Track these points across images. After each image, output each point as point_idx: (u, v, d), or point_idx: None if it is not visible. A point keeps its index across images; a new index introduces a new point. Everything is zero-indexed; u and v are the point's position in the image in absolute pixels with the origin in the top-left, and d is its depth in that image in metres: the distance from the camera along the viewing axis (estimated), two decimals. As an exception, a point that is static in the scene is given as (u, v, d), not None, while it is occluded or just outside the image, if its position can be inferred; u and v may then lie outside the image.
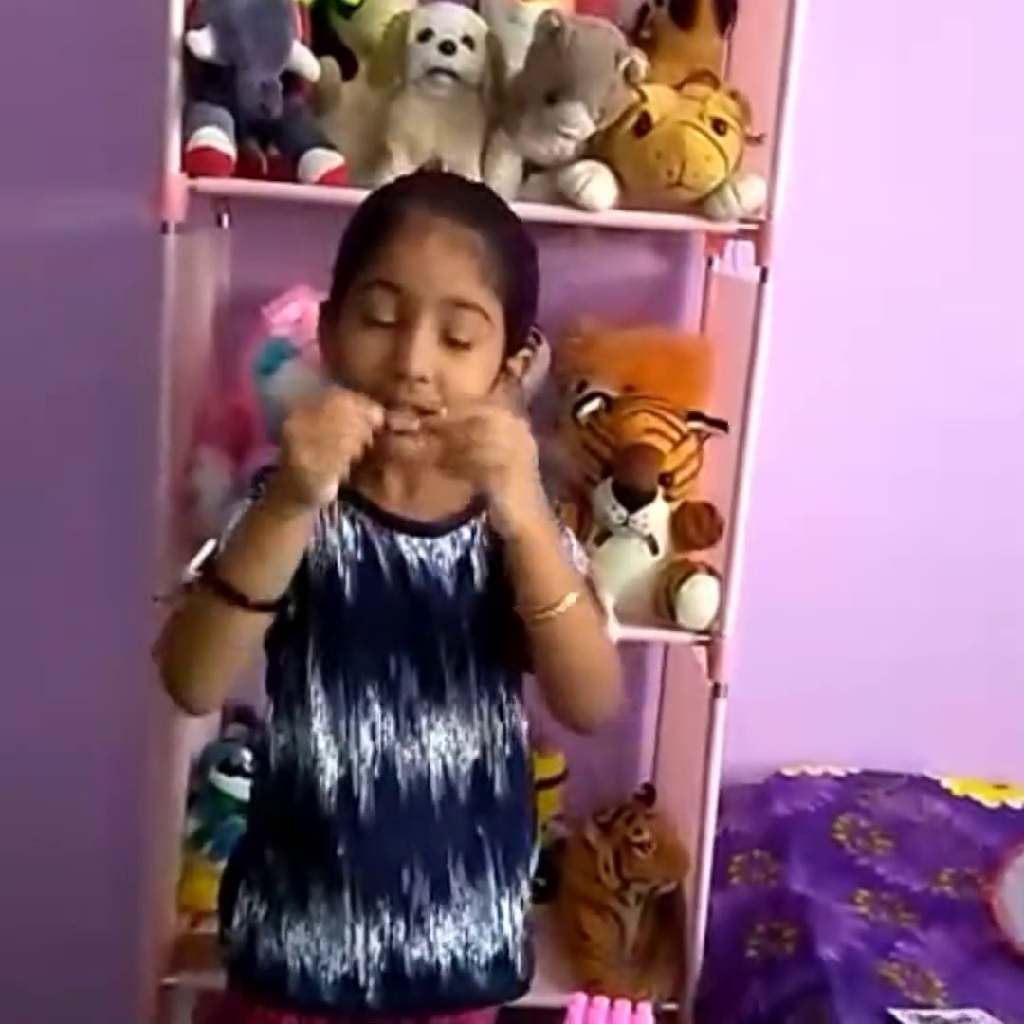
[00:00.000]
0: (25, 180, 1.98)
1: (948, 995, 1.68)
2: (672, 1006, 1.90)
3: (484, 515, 1.34)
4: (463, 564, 1.34)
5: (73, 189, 1.97)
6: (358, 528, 1.33)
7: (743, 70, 1.86)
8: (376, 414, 1.20)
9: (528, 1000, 1.49)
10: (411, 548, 1.33)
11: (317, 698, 1.33)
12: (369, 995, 1.36)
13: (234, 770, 1.94)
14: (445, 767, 1.35)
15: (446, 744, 1.35)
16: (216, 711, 1.53)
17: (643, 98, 1.68)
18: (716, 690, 1.80)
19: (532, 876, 1.47)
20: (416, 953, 1.36)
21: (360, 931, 1.35)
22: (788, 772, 2.16)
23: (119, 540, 1.87)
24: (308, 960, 1.36)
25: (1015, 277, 2.12)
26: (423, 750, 1.34)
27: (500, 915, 1.40)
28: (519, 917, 1.42)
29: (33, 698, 2.12)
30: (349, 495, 1.31)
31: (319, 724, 1.33)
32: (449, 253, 1.24)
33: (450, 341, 1.25)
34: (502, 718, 1.38)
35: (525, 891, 1.44)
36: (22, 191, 1.99)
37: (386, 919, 1.35)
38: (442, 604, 1.33)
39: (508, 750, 1.39)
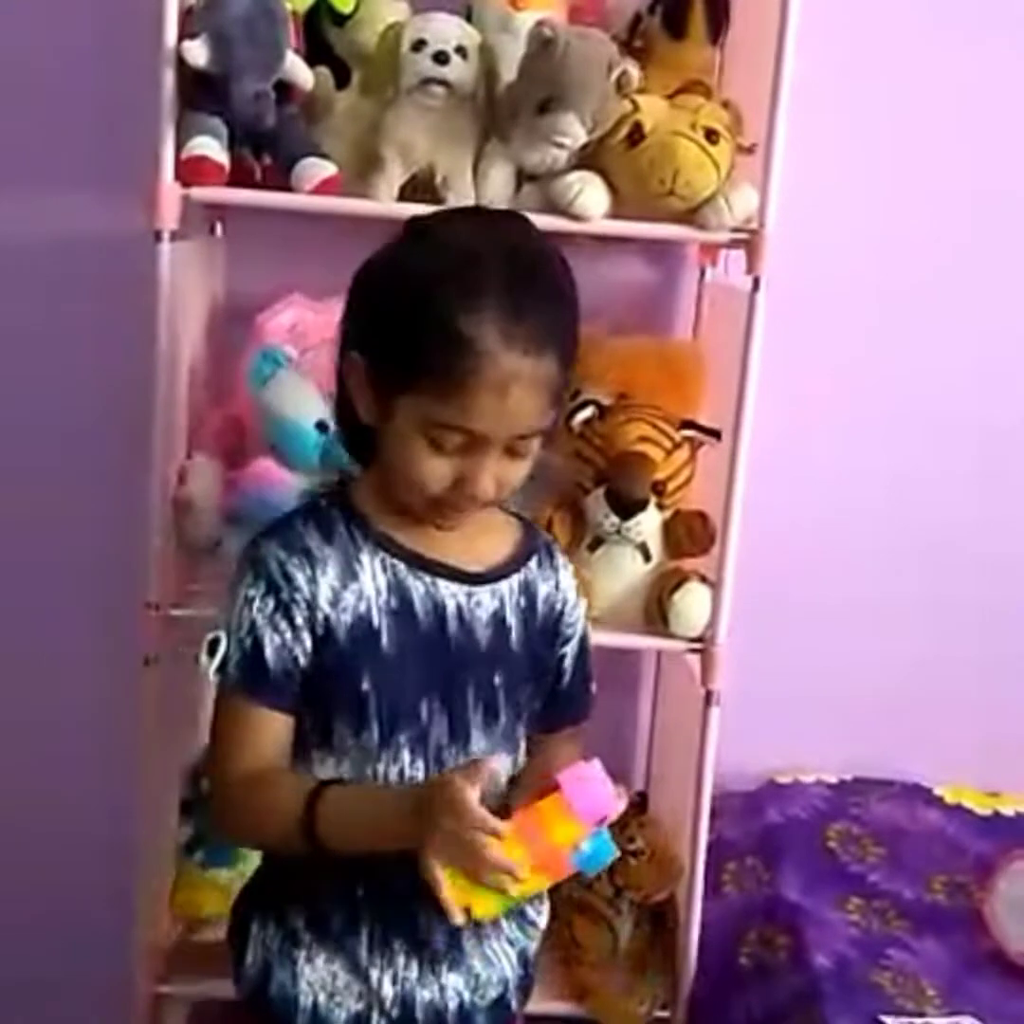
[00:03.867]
0: (18, 188, 1.98)
1: (940, 1002, 1.69)
2: (665, 1013, 1.90)
3: (523, 571, 1.39)
4: (500, 619, 1.35)
5: (67, 198, 1.97)
6: (390, 574, 1.32)
7: (735, 80, 1.86)
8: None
9: (520, 1008, 1.50)
10: (451, 594, 1.33)
11: (345, 743, 1.32)
12: None
13: (227, 778, 1.94)
14: None
15: None
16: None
17: (636, 108, 1.69)
18: (709, 698, 1.80)
19: (540, 913, 1.47)
20: (427, 996, 1.35)
21: (375, 972, 1.34)
22: (781, 779, 2.16)
23: (113, 547, 1.87)
24: (322, 997, 1.35)
25: (1007, 285, 2.13)
26: None
27: (504, 958, 1.41)
28: (516, 957, 1.42)
29: (26, 705, 2.12)
30: (381, 540, 1.33)
31: (346, 769, 1.32)
32: (529, 398, 1.22)
33: (510, 451, 1.26)
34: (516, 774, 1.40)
35: (527, 932, 1.44)
36: (15, 199, 1.99)
37: (401, 960, 1.34)
38: (475, 654, 1.34)
39: None
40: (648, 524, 1.77)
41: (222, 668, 1.30)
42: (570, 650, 1.45)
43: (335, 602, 1.30)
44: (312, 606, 1.29)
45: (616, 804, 1.20)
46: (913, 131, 2.06)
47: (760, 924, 1.86)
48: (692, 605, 1.76)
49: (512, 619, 1.37)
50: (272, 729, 1.30)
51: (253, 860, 1.87)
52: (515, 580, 1.38)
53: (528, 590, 1.39)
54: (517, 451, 1.27)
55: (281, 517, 1.37)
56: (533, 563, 1.41)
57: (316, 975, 1.35)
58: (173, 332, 1.68)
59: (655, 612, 1.79)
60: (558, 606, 1.42)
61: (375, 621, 1.30)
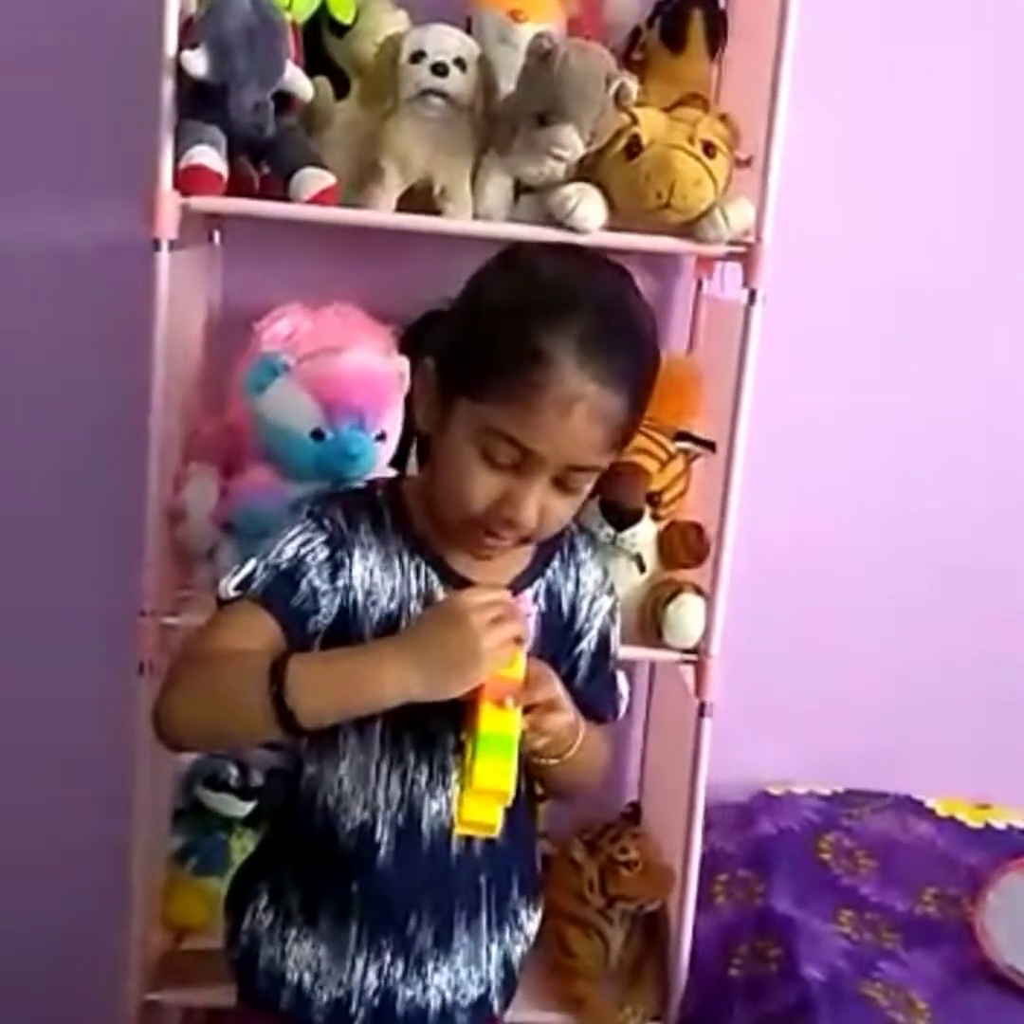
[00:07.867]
0: (16, 196, 1.98)
1: (931, 1015, 1.69)
2: (656, 1025, 1.90)
3: (546, 575, 1.39)
4: None
5: (66, 206, 1.97)
6: (423, 582, 1.32)
7: (733, 93, 1.87)
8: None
9: (510, 1017, 1.50)
10: None
11: (348, 741, 1.33)
12: None
13: (220, 786, 1.94)
14: None
15: None
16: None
17: (634, 121, 1.69)
18: (702, 709, 1.80)
19: (531, 918, 1.48)
20: (409, 993, 1.37)
21: (360, 963, 1.35)
22: (773, 791, 2.16)
23: (109, 555, 1.87)
24: (307, 976, 1.37)
25: (1009, 299, 2.14)
26: (450, 802, 1.33)
27: (488, 960, 1.41)
28: (500, 959, 1.43)
29: (19, 713, 2.12)
30: (419, 544, 1.33)
31: (346, 768, 1.34)
32: (589, 426, 1.21)
33: (559, 484, 1.25)
34: (523, 774, 1.37)
35: (512, 935, 1.44)
36: (13, 207, 1.99)
37: (387, 958, 1.36)
38: None
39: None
40: (643, 535, 1.77)
41: (243, 586, 1.26)
42: (586, 647, 1.43)
43: (369, 592, 1.30)
44: (350, 586, 1.29)
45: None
46: (911, 144, 2.06)
47: (751, 936, 1.86)
48: (686, 616, 1.76)
49: (533, 628, 1.35)
50: (269, 635, 1.24)
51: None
52: (538, 585, 1.38)
53: (549, 593, 1.39)
54: (567, 485, 1.25)
55: (338, 490, 1.38)
56: (555, 563, 1.40)
57: (303, 955, 1.37)
58: (170, 340, 1.68)
59: (649, 623, 1.79)
60: (576, 603, 1.41)
61: (402, 624, 1.30)
